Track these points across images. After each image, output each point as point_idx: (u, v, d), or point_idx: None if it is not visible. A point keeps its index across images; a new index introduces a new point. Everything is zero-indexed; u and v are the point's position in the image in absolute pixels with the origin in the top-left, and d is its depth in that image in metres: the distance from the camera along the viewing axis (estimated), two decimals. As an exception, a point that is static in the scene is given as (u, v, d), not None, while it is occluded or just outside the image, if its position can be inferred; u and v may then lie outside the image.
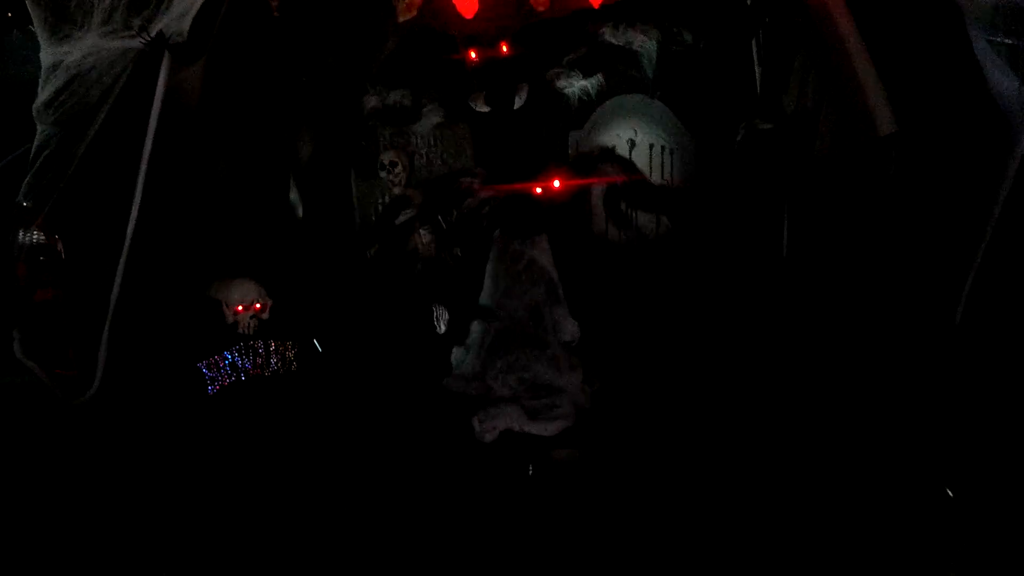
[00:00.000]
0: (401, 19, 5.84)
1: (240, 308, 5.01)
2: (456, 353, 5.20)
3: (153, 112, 4.57)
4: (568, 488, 4.18)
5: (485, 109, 5.63)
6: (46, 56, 4.41)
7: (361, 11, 5.86)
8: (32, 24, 4.42)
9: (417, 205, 5.56)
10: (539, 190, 5.25)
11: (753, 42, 5.74)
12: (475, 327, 5.16)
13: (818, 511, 3.81)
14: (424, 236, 5.45)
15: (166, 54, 4.49)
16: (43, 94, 4.47)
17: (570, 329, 5.13)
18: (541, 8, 5.72)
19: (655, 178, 5.68)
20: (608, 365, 5.05)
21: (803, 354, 4.67)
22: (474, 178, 5.45)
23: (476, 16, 5.71)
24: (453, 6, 5.75)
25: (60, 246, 4.61)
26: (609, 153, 5.54)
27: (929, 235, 4.25)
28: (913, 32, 4.34)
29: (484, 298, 5.21)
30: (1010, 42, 3.90)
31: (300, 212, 5.95)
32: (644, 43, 5.75)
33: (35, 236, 4.60)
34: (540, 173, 5.28)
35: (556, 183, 5.26)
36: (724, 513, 3.89)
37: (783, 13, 5.42)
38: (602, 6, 5.66)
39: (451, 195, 5.42)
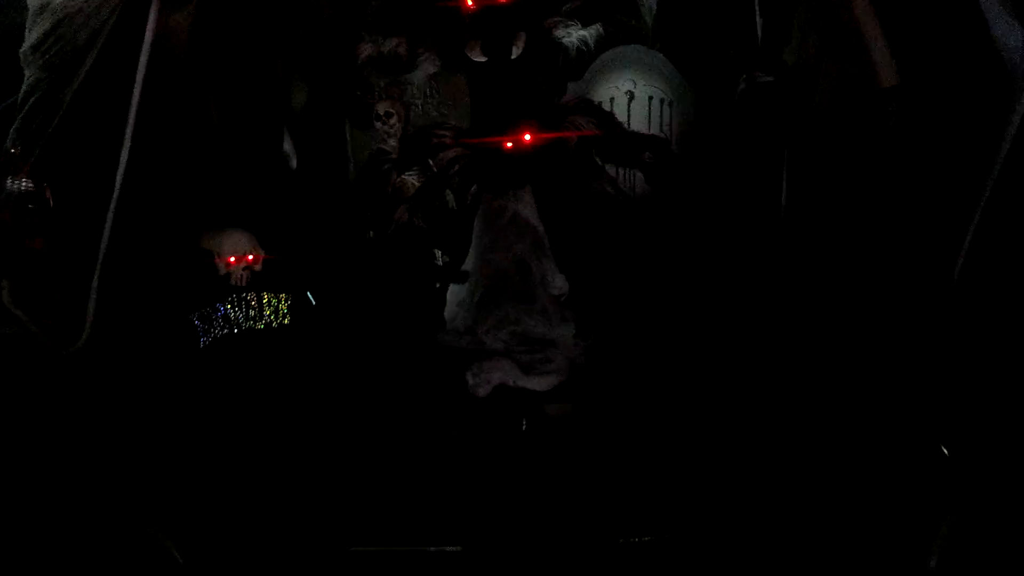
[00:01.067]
0: (397, -36, 5.75)
1: (232, 259, 4.94)
2: (448, 308, 5.16)
3: (142, 57, 4.48)
4: (562, 443, 4.17)
5: (482, 59, 5.51)
6: (33, -1, 4.32)
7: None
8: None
9: (394, 159, 5.47)
10: (511, 145, 5.14)
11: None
12: (464, 283, 5.12)
13: (816, 465, 3.82)
14: (412, 182, 5.36)
15: (154, -1, 4.40)
16: (30, 37, 4.38)
17: (558, 283, 5.09)
18: (539, -47, 5.62)
19: (653, 130, 5.60)
20: (601, 319, 5.02)
21: (801, 308, 4.63)
22: (447, 132, 5.34)
23: (474, -39, 5.63)
24: (448, -48, 5.66)
25: (48, 193, 4.54)
26: (584, 104, 5.42)
27: (929, 190, 4.19)
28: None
29: (471, 253, 5.16)
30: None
31: (294, 162, 5.86)
32: (645, -9, 5.65)
33: (23, 183, 4.52)
34: (519, 126, 5.15)
35: (527, 137, 5.12)
36: (719, 471, 3.90)
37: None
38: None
39: (425, 149, 5.32)
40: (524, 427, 4.32)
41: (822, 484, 3.72)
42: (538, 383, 4.66)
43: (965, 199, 3.83)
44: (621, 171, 5.39)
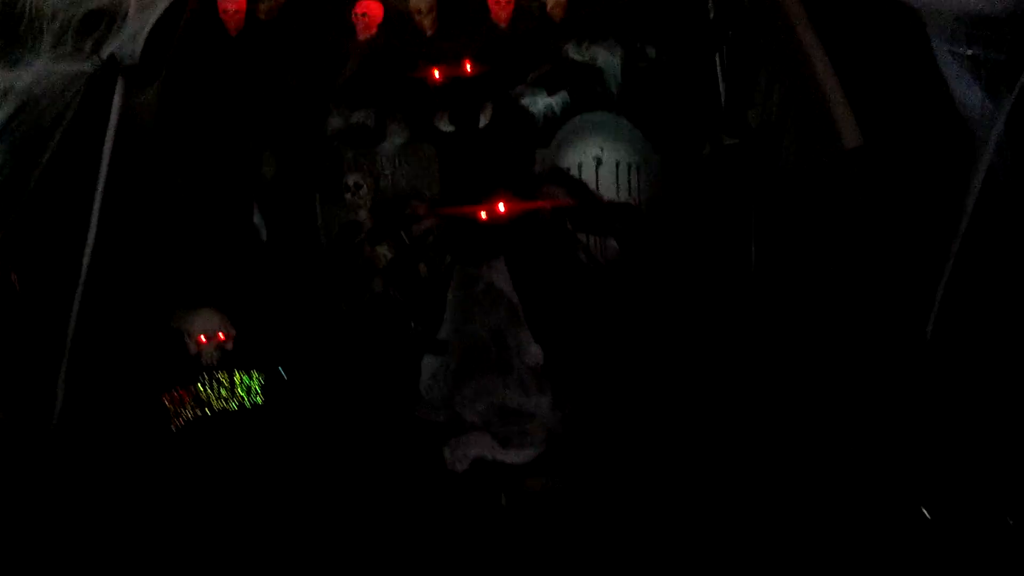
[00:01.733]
0: (361, 38, 5.80)
1: (203, 339, 4.87)
2: (423, 380, 5.11)
3: (108, 137, 4.49)
4: (543, 518, 4.11)
5: (450, 128, 5.56)
6: (-4, 82, 4.31)
7: (321, 31, 5.81)
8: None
9: (367, 231, 5.46)
10: (485, 215, 5.16)
11: (717, 57, 5.74)
12: (439, 355, 5.08)
13: (796, 532, 3.78)
14: (384, 253, 5.35)
15: (120, 78, 4.40)
16: (-6, 121, 4.37)
17: (533, 352, 5.06)
18: (503, 24, 5.70)
19: (622, 196, 5.63)
20: (577, 388, 4.98)
21: (775, 370, 4.63)
22: (420, 203, 5.35)
23: (437, 34, 5.70)
24: (413, 24, 5.72)
25: (14, 277, 4.49)
26: (556, 174, 5.47)
27: (897, 248, 4.23)
28: (875, 44, 4.34)
29: (445, 324, 5.13)
30: (972, 52, 3.90)
31: (264, 236, 5.84)
32: (608, 59, 5.72)
33: (-12, 267, 4.48)
34: (493, 195, 5.18)
35: (501, 206, 5.15)
36: (700, 540, 3.85)
37: (746, 27, 5.42)
38: (564, 21, 5.65)
39: (398, 220, 5.32)
40: (504, 502, 4.26)
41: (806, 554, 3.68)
42: (516, 456, 4.60)
43: (934, 256, 3.87)
44: (591, 239, 5.41)
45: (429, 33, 5.75)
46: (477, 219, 5.14)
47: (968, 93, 3.84)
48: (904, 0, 3.94)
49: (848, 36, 4.50)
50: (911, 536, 3.58)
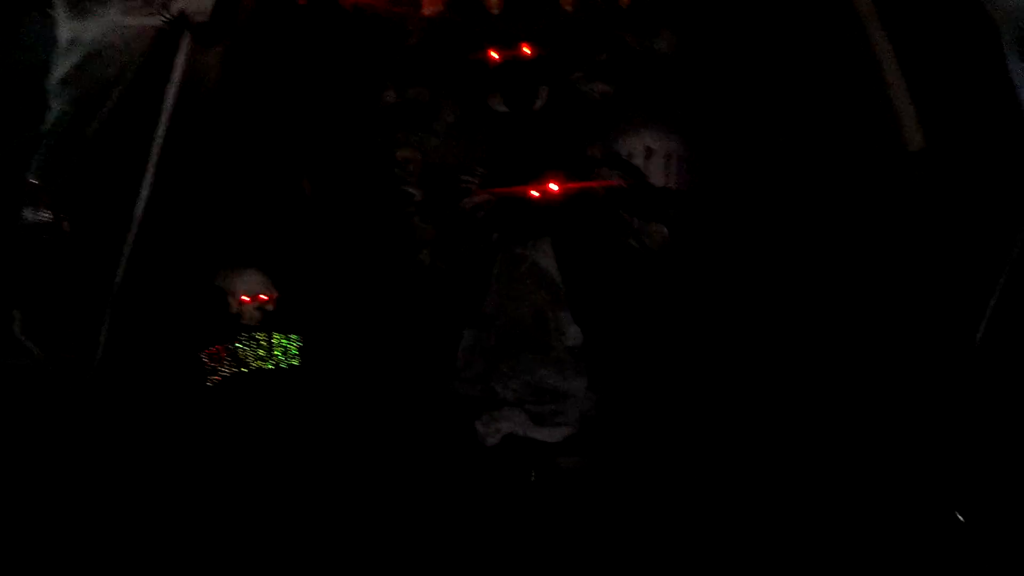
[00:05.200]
0: (426, 12, 5.80)
1: (246, 298, 4.92)
2: (461, 355, 5.12)
3: (169, 94, 4.52)
4: (572, 496, 4.11)
5: (504, 110, 5.54)
6: (63, 31, 4.37)
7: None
8: (50, 7, 4.36)
9: (417, 203, 5.47)
10: (537, 193, 5.15)
11: (777, 55, 5.67)
12: (478, 331, 5.08)
13: (823, 519, 3.74)
14: (431, 227, 5.36)
15: (186, 34, 4.43)
16: (58, 70, 4.43)
17: (573, 334, 5.05)
18: (568, 7, 5.67)
19: (670, 187, 5.60)
20: (615, 372, 4.97)
21: (816, 367, 4.58)
22: (473, 178, 5.35)
23: (502, 14, 5.69)
24: (480, 2, 5.71)
25: (67, 225, 4.54)
26: (612, 157, 5.42)
27: (954, 253, 4.17)
28: (946, 47, 4.27)
29: (487, 301, 5.13)
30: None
31: (311, 205, 5.86)
32: (667, 50, 5.67)
33: (41, 214, 4.53)
34: (545, 175, 5.16)
35: (555, 187, 5.15)
36: (730, 525, 3.83)
37: (810, 28, 5.35)
38: (629, 7, 5.61)
39: (450, 193, 5.32)
40: (533, 478, 4.26)
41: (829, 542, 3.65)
42: (549, 434, 4.60)
43: (992, 263, 3.80)
44: (641, 224, 5.37)
45: (495, 12, 5.73)
46: (528, 198, 5.14)
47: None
48: (981, 4, 3.87)
49: (918, 37, 4.43)
50: (947, 543, 3.54)
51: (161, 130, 4.54)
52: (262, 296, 4.96)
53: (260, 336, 4.87)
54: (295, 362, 4.88)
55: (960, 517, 3.56)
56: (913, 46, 4.44)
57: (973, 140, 4.12)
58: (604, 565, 3.67)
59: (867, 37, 4.54)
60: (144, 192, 4.51)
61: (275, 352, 4.87)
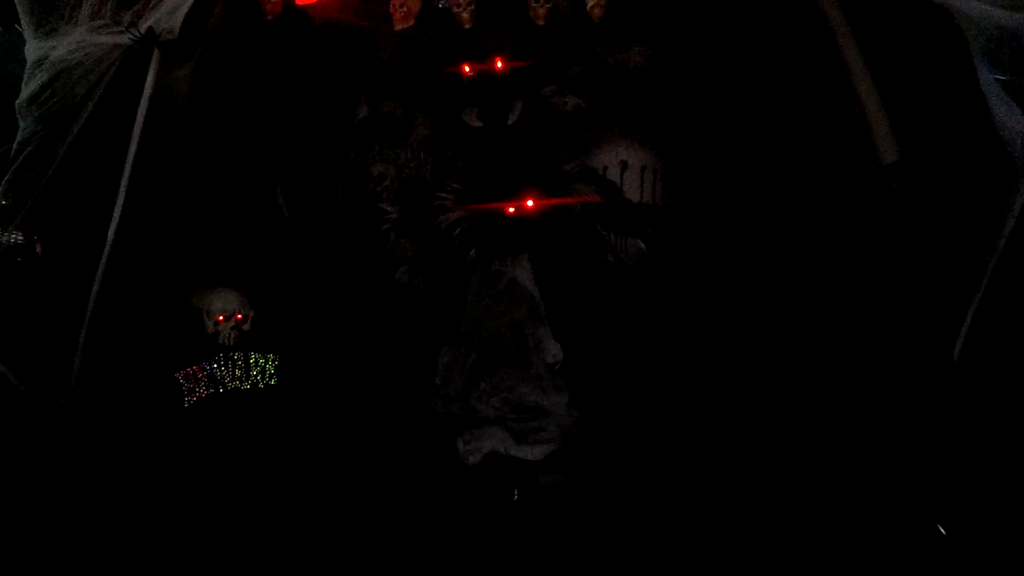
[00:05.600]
0: (397, 28, 5.78)
1: (221, 318, 4.86)
2: (440, 372, 5.10)
3: (140, 112, 4.48)
4: (555, 514, 4.10)
5: (478, 124, 5.53)
6: (32, 50, 4.32)
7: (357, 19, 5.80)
8: (18, 22, 4.31)
9: (393, 220, 5.44)
10: (514, 210, 5.14)
11: (750, 68, 5.71)
12: (457, 347, 5.07)
13: (807, 540, 3.76)
14: (408, 244, 5.34)
15: (155, 52, 4.39)
16: (27, 89, 4.37)
17: (552, 350, 5.04)
18: (540, 22, 5.68)
19: (646, 201, 5.61)
20: (594, 388, 4.97)
21: (794, 382, 4.60)
22: (450, 195, 5.33)
23: (474, 28, 5.68)
24: (452, 17, 5.71)
25: (39, 247, 4.48)
26: (588, 173, 5.43)
27: (928, 267, 4.20)
28: (918, 60, 4.31)
29: (466, 317, 5.12)
30: (1015, 80, 3.87)
31: (286, 221, 5.82)
32: (640, 64, 5.69)
33: (13, 236, 4.46)
34: (521, 191, 5.16)
35: (530, 202, 5.15)
36: (711, 542, 3.83)
37: (782, 40, 5.39)
38: (600, 21, 5.62)
39: (425, 211, 5.30)
40: (516, 497, 4.24)
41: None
42: (531, 452, 4.59)
43: (967, 277, 3.84)
44: (618, 239, 5.38)
45: (467, 27, 5.72)
46: (505, 214, 5.12)
47: (1009, 116, 3.81)
48: (951, 16, 3.90)
49: (890, 49, 4.47)
50: (928, 553, 3.56)
51: (132, 148, 4.48)
52: (238, 315, 4.90)
53: (237, 356, 4.81)
54: (272, 382, 4.82)
55: (942, 530, 3.59)
56: (884, 58, 4.48)
57: (946, 150, 4.15)
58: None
59: (839, 50, 4.58)
60: (116, 212, 4.45)
61: (252, 372, 4.82)
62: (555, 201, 5.18)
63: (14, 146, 4.32)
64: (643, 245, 5.27)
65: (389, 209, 5.46)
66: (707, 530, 3.89)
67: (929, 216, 4.21)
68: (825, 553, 3.68)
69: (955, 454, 3.79)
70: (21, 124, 4.36)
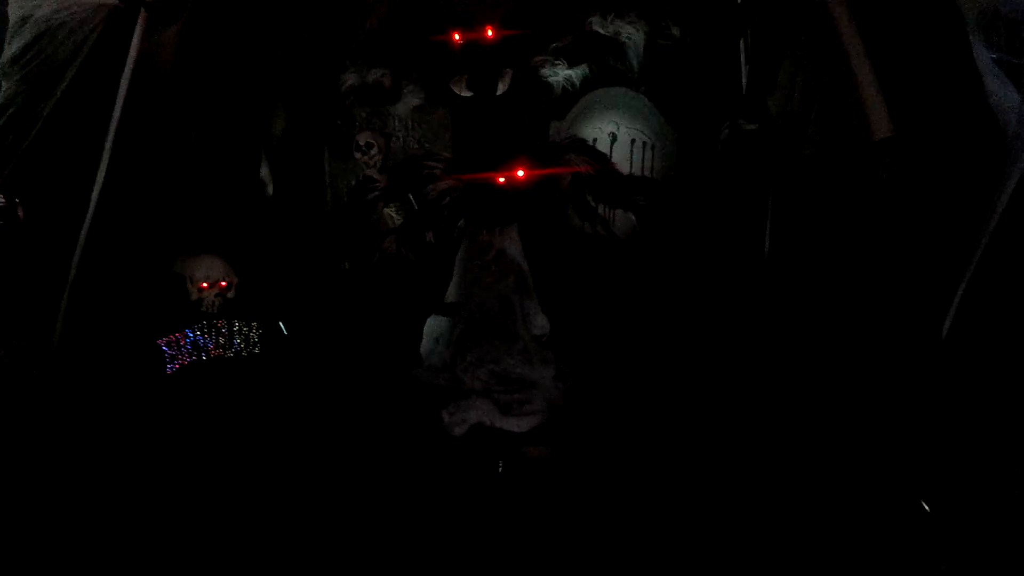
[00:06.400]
0: (386, -7, 5.72)
1: (205, 285, 4.82)
2: (425, 343, 5.08)
3: (125, 74, 4.41)
4: (540, 486, 4.10)
5: (467, 93, 5.48)
6: (14, 9, 4.22)
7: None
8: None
9: (381, 188, 5.40)
10: (503, 179, 5.10)
11: (741, 41, 5.67)
12: (444, 318, 5.05)
13: (792, 507, 3.77)
14: (396, 213, 5.30)
15: (142, 12, 4.32)
16: (9, 49, 4.28)
17: (540, 323, 5.04)
18: (532, -11, 5.63)
19: (635, 173, 5.59)
20: (581, 361, 4.97)
21: (781, 359, 4.61)
22: (438, 164, 5.29)
23: (464, -6, 5.63)
24: (440, -18, 5.65)
25: (20, 210, 4.42)
26: (579, 143, 5.38)
27: (920, 244, 4.19)
28: (913, 36, 4.28)
29: (453, 288, 5.10)
30: (1009, 59, 3.84)
31: (270, 189, 5.77)
32: (632, 35, 5.62)
33: (-5, 199, 4.40)
34: (511, 161, 5.12)
35: (520, 172, 5.10)
36: (700, 513, 3.84)
37: (774, 12, 5.35)
38: (593, -9, 5.58)
39: (414, 180, 5.26)
40: (501, 468, 4.24)
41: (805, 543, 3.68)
42: (516, 424, 4.59)
43: (958, 254, 3.82)
44: (609, 211, 5.36)
45: (455, -8, 5.67)
46: (494, 184, 5.09)
47: (1004, 94, 3.77)
48: None
49: (884, 25, 4.44)
50: (914, 533, 3.58)
51: (116, 112, 4.42)
52: (222, 282, 4.87)
53: (220, 323, 4.78)
54: (256, 351, 4.80)
55: (926, 507, 3.60)
56: (880, 35, 4.44)
57: (940, 128, 4.13)
58: (572, 554, 3.67)
59: (835, 26, 4.54)
60: (100, 175, 4.40)
61: (235, 340, 4.79)
62: (545, 171, 5.14)
63: (-4, 106, 4.25)
64: (633, 217, 5.26)
65: (377, 178, 5.41)
66: (692, 503, 3.90)
67: (921, 192, 4.20)
68: (811, 525, 3.69)
69: (942, 433, 3.80)
70: (3, 85, 4.28)
